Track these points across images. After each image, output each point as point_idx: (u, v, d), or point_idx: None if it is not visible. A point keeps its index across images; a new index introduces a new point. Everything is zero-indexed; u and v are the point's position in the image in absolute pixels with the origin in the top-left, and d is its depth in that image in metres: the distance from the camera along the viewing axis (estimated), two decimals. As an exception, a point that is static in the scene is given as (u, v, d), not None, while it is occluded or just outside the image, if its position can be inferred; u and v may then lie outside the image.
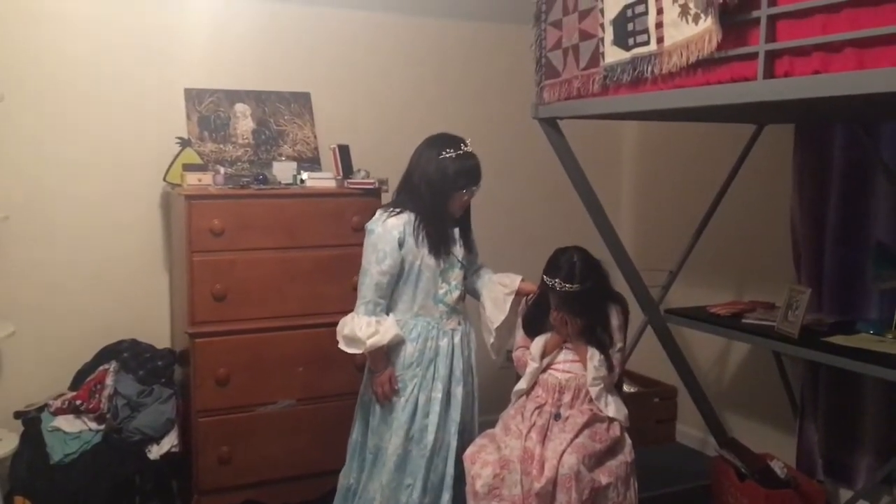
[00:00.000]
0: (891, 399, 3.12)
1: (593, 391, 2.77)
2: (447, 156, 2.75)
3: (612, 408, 2.80)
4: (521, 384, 2.88)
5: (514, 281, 2.97)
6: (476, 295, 3.04)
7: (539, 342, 2.87)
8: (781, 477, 3.06)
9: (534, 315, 2.91)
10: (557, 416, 2.75)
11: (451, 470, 2.83)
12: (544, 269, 2.81)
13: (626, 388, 3.81)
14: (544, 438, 2.67)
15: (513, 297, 2.94)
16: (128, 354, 3.35)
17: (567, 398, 2.79)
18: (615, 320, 2.88)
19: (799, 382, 3.47)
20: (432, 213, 2.78)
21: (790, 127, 3.39)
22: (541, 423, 2.71)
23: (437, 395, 2.82)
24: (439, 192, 2.76)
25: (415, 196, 2.79)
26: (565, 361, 2.86)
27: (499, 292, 2.96)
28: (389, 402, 2.82)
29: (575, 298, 2.75)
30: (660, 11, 2.44)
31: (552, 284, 2.76)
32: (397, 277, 2.80)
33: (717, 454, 3.30)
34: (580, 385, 2.80)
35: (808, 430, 3.42)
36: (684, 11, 2.33)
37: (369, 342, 2.74)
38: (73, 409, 3.16)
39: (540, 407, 2.78)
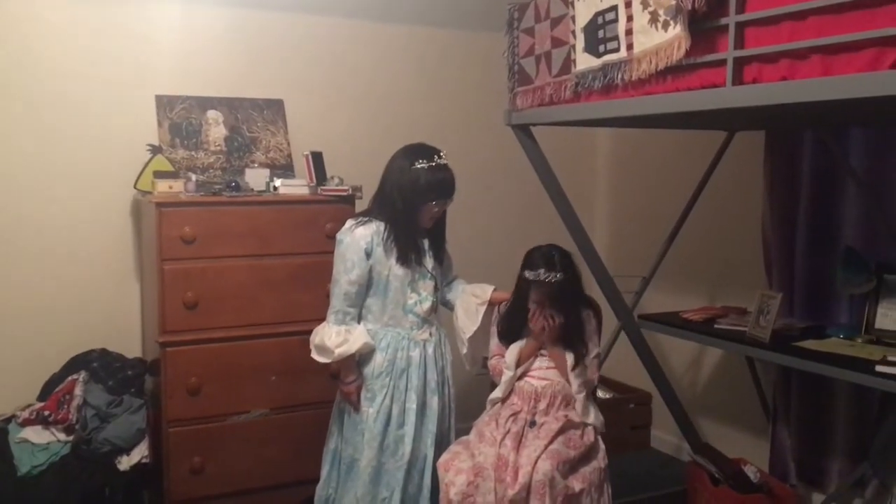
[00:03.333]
0: (861, 403, 3.14)
1: (580, 398, 2.77)
2: (420, 167, 2.73)
3: (591, 414, 2.80)
4: (497, 393, 2.88)
5: (485, 291, 2.98)
6: (449, 306, 3.04)
7: (514, 350, 2.87)
8: (754, 482, 3.08)
9: (508, 323, 2.91)
10: (532, 424, 2.74)
11: (428, 482, 2.82)
12: (522, 265, 2.82)
13: (600, 394, 3.83)
14: (519, 445, 2.67)
15: (485, 307, 2.94)
16: (97, 364, 3.30)
17: (542, 405, 2.79)
18: (589, 325, 2.89)
19: (771, 387, 3.50)
20: (402, 223, 2.77)
21: (760, 134, 3.42)
22: (515, 430, 2.71)
23: (412, 405, 2.80)
24: (409, 202, 2.75)
25: (386, 205, 2.78)
26: (541, 368, 2.86)
27: (471, 303, 2.97)
28: (358, 412, 2.81)
29: (559, 290, 2.75)
30: (630, 18, 2.45)
31: (535, 277, 2.75)
32: (367, 287, 2.79)
33: (691, 459, 3.31)
34: (556, 392, 2.81)
35: (780, 434, 3.45)
36: (654, 18, 2.35)
37: (337, 351, 2.75)
38: (41, 420, 3.11)
39: (515, 414, 2.78)
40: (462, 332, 2.94)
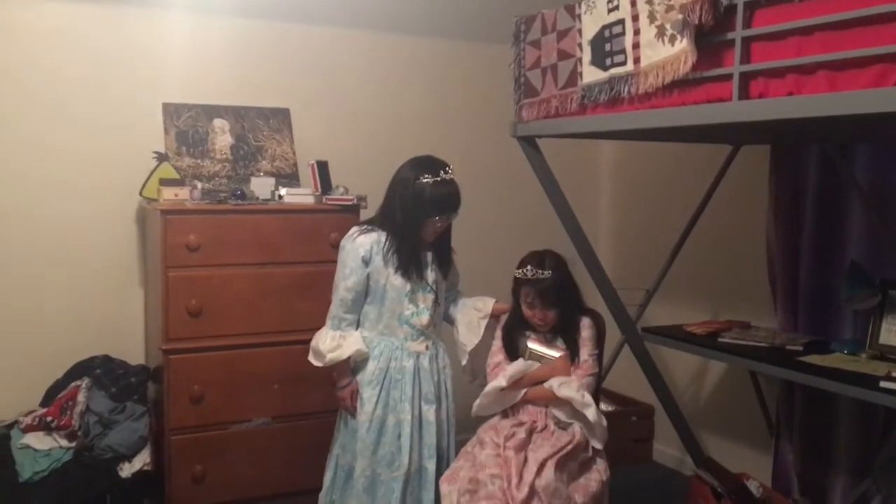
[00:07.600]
0: (865, 418, 3.13)
1: (584, 398, 2.74)
2: (425, 181, 2.71)
3: (591, 412, 2.73)
4: (488, 388, 2.81)
5: (486, 304, 2.97)
6: (450, 320, 3.02)
7: (518, 367, 2.80)
8: (757, 496, 3.06)
9: (509, 330, 2.90)
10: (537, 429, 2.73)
11: (429, 496, 2.79)
12: (516, 268, 2.83)
13: (603, 406, 3.80)
14: (524, 449, 2.64)
15: (486, 320, 2.93)
16: (100, 371, 3.30)
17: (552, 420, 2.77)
18: (586, 332, 2.86)
19: (775, 402, 3.49)
20: (404, 235, 2.76)
21: (766, 148, 3.42)
22: (521, 437, 2.68)
23: (406, 416, 2.78)
24: (412, 216, 2.74)
25: (389, 216, 2.78)
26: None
27: (473, 316, 2.95)
28: (353, 417, 2.81)
29: (548, 287, 2.75)
30: (637, 32, 2.47)
31: (522, 274, 2.77)
32: (365, 294, 2.80)
33: (694, 474, 3.30)
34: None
35: (783, 449, 3.43)
36: (661, 32, 2.36)
37: (329, 356, 2.77)
38: (43, 426, 3.11)
39: (522, 424, 2.75)
40: (463, 346, 2.93)
